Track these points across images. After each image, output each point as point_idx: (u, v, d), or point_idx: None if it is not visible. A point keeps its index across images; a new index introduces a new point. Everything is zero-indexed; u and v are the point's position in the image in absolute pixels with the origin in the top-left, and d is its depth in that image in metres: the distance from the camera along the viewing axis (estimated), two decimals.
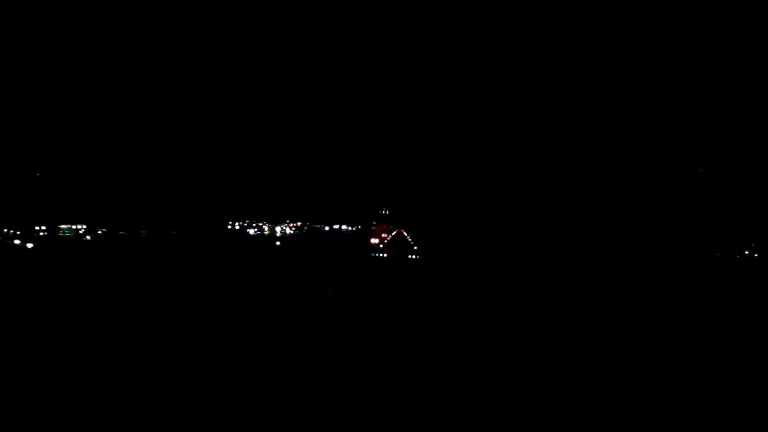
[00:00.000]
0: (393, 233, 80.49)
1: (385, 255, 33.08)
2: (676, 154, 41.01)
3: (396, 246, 44.93)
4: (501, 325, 12.51)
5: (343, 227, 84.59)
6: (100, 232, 39.19)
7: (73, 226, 39.73)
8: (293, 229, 65.01)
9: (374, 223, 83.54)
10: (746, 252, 38.60)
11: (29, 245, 30.17)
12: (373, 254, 33.71)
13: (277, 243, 38.85)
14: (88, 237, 36.55)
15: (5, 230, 32.46)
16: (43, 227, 38.35)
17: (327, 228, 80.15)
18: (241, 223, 54.93)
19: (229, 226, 51.44)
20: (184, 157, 45.58)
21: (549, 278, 24.50)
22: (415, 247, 43.74)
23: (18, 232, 32.33)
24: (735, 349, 10.90)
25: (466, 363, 8.78)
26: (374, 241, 55.29)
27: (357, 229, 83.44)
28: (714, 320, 14.49)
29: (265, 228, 57.26)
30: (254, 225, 55.79)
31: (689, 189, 41.40)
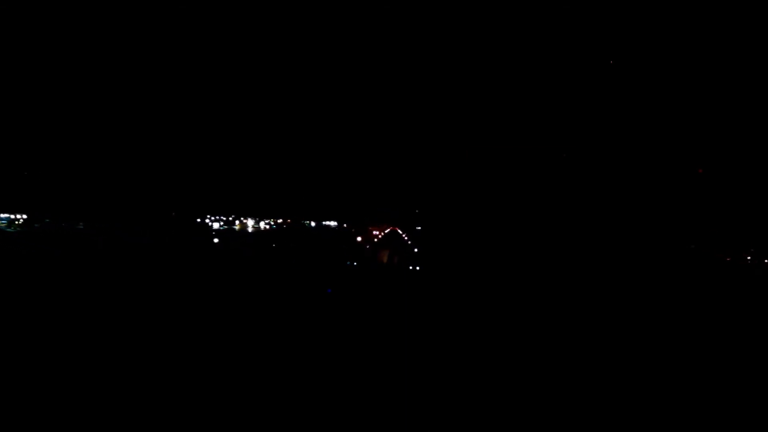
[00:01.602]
0: (386, 233, 76.45)
1: (359, 264, 25.41)
2: (675, 155, 38.66)
3: (390, 249, 39.29)
4: (501, 327, 12.50)
5: (332, 224, 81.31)
6: (37, 225, 36.55)
7: (11, 216, 37.22)
8: (271, 225, 61.93)
9: (365, 219, 79.94)
10: (748, 257, 35.94)
11: None
12: (348, 263, 25.95)
13: (215, 240, 35.16)
14: (10, 229, 33.82)
15: None
16: None
17: (313, 224, 77.03)
18: (210, 217, 51.90)
19: (193, 221, 48.33)
20: (143, 143, 42.73)
21: (552, 281, 23.52)
22: (416, 250, 38.64)
23: None
24: (734, 352, 11.05)
25: (467, 366, 8.85)
26: (360, 240, 51.66)
27: (345, 227, 79.85)
28: (713, 323, 14.62)
29: (236, 223, 54.14)
30: (221, 219, 52.59)
31: (689, 189, 38.99)
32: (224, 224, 51.99)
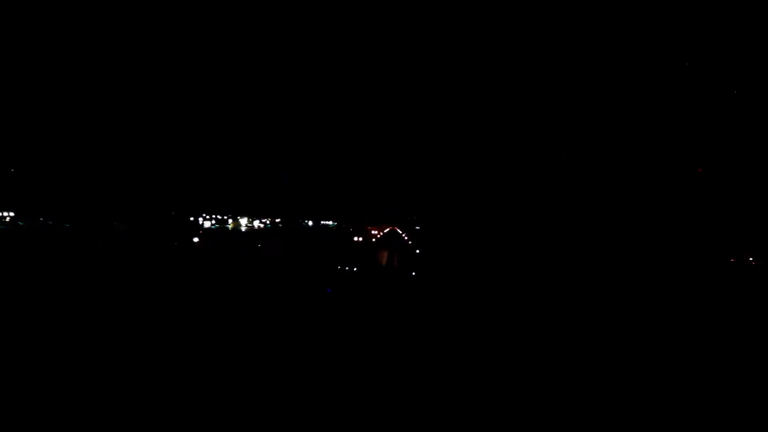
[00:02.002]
0: (385, 232, 75.44)
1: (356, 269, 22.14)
2: (675, 154, 38.43)
3: (389, 249, 37.43)
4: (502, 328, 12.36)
5: (330, 223, 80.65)
6: (21, 223, 35.58)
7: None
8: (266, 224, 61.11)
9: (365, 218, 79.18)
10: (750, 258, 35.65)
11: None
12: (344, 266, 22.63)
13: (195, 240, 34.13)
14: None
15: None
16: None
17: (311, 223, 76.31)
18: (205, 216, 50.93)
19: (183, 221, 47.31)
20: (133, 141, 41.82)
21: (552, 280, 23.17)
22: (417, 251, 37.23)
23: None
24: (733, 352, 10.98)
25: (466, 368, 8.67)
26: (359, 240, 50.63)
27: (344, 226, 78.96)
28: (712, 323, 14.55)
29: (230, 222, 53.20)
30: (213, 218, 51.54)
31: (689, 189, 38.71)
32: (216, 223, 50.99)
